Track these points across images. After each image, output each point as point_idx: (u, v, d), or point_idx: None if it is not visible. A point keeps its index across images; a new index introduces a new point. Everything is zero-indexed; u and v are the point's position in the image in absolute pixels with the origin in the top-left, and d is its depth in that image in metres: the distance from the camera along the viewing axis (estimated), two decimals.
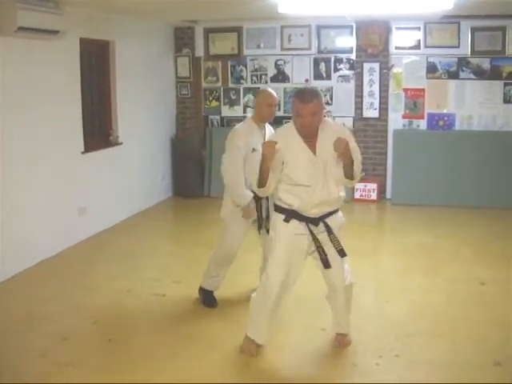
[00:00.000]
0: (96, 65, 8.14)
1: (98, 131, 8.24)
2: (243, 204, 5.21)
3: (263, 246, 5.61)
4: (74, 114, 7.34)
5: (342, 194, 4.53)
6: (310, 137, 4.34)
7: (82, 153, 7.51)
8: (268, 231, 5.45)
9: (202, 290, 5.64)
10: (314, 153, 4.35)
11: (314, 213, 4.45)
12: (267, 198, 5.39)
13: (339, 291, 4.62)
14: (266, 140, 4.77)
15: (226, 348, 4.66)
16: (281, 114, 9.82)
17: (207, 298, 5.57)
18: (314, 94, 4.30)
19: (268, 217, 5.44)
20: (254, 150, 5.14)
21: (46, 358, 4.49)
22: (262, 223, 5.43)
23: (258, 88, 9.82)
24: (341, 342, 4.74)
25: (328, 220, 4.50)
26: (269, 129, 5.44)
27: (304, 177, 4.39)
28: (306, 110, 4.21)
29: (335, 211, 4.55)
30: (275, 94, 5.31)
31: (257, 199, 5.32)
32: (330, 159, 4.35)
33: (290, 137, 4.40)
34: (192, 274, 6.30)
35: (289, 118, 9.89)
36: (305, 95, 4.26)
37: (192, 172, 9.98)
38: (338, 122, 4.76)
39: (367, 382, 4.20)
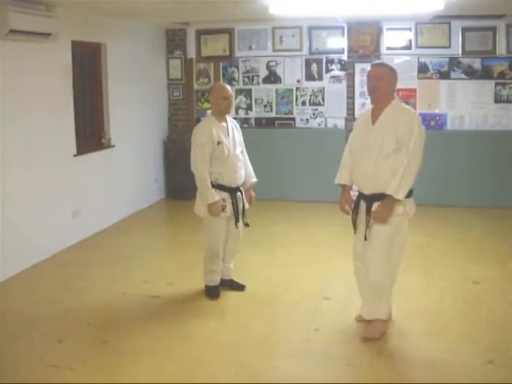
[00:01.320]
0: (88, 67, 8.15)
1: (91, 134, 8.24)
2: (208, 202, 5.37)
3: (231, 238, 5.71)
4: (66, 116, 7.34)
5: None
6: (375, 102, 4.74)
7: (75, 155, 7.51)
8: (247, 225, 5.55)
9: (205, 286, 5.76)
10: (373, 123, 4.69)
11: (364, 187, 4.72)
12: (241, 191, 5.48)
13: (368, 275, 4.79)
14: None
15: (221, 348, 4.67)
16: (273, 115, 9.86)
17: (209, 292, 5.70)
18: (385, 64, 4.90)
19: (244, 210, 5.55)
20: (219, 143, 5.40)
21: (42, 360, 4.49)
22: (238, 217, 5.58)
23: (250, 90, 9.88)
24: (366, 332, 4.82)
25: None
26: (231, 121, 5.63)
27: (356, 144, 4.79)
28: (372, 73, 4.72)
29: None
30: (228, 87, 5.52)
31: (231, 193, 5.41)
32: (386, 137, 4.57)
33: (366, 111, 4.98)
34: (185, 276, 6.32)
35: (281, 119, 9.99)
36: (376, 62, 4.99)
37: (185, 174, 9.87)
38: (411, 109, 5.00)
39: (362, 381, 4.22)
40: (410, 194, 4.62)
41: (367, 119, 4.77)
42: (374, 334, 4.77)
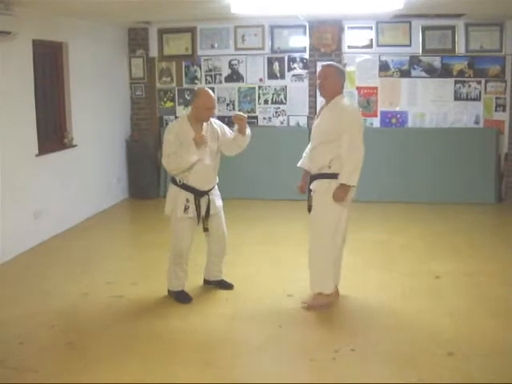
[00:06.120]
0: (49, 66, 8.07)
1: (53, 133, 8.16)
2: (193, 158, 5.27)
3: (214, 240, 5.70)
4: (27, 116, 7.25)
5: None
6: (323, 98, 5.32)
7: (36, 155, 7.43)
8: (206, 229, 5.54)
9: (171, 292, 5.66)
10: (318, 116, 5.30)
11: (311, 169, 5.36)
12: (208, 195, 5.43)
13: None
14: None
15: (186, 347, 4.67)
16: (236, 113, 9.84)
17: (180, 296, 5.58)
18: (332, 65, 5.36)
19: (208, 215, 5.51)
20: (182, 144, 5.27)
21: (3, 363, 4.43)
22: (199, 220, 5.51)
23: (213, 88, 9.87)
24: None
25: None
26: (208, 125, 5.53)
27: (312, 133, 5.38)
28: (319, 72, 5.24)
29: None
30: (213, 95, 5.46)
31: (196, 195, 5.38)
32: (322, 129, 5.18)
33: (321, 105, 5.51)
34: (149, 275, 6.30)
35: None
36: (325, 63, 5.44)
37: (147, 173, 9.95)
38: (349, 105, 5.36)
39: (325, 376, 4.24)
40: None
41: (319, 112, 5.35)
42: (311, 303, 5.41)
